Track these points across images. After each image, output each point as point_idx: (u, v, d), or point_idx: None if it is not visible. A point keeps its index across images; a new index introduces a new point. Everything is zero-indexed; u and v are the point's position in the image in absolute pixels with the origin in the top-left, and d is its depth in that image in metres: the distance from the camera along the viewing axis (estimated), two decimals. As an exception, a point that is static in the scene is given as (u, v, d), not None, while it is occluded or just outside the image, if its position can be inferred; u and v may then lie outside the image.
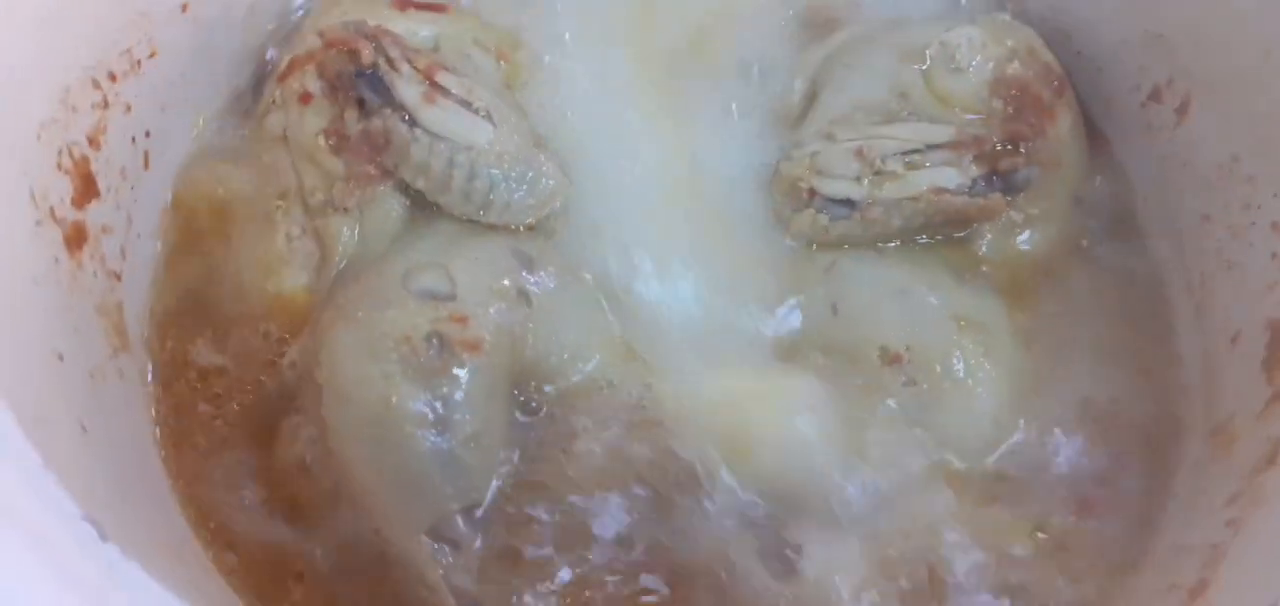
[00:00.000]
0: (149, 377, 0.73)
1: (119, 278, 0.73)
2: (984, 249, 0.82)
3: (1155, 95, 0.84)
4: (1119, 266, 0.83)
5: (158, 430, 0.71)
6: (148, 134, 0.79)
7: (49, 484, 0.47)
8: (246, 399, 0.73)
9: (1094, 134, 0.88)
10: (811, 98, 0.88)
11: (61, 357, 0.62)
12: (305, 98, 0.80)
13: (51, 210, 0.67)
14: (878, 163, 0.80)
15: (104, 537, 0.47)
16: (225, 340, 0.76)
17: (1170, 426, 0.75)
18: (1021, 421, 0.75)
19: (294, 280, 0.77)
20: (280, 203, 0.80)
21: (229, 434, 0.72)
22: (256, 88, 0.86)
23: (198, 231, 0.80)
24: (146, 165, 0.78)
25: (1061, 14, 0.90)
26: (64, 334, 0.63)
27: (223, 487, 0.69)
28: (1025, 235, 0.83)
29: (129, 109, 0.77)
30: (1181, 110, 0.82)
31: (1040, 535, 0.71)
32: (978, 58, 0.83)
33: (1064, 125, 0.83)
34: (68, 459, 0.53)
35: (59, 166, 0.69)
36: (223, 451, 0.71)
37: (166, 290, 0.77)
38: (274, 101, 0.83)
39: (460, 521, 0.68)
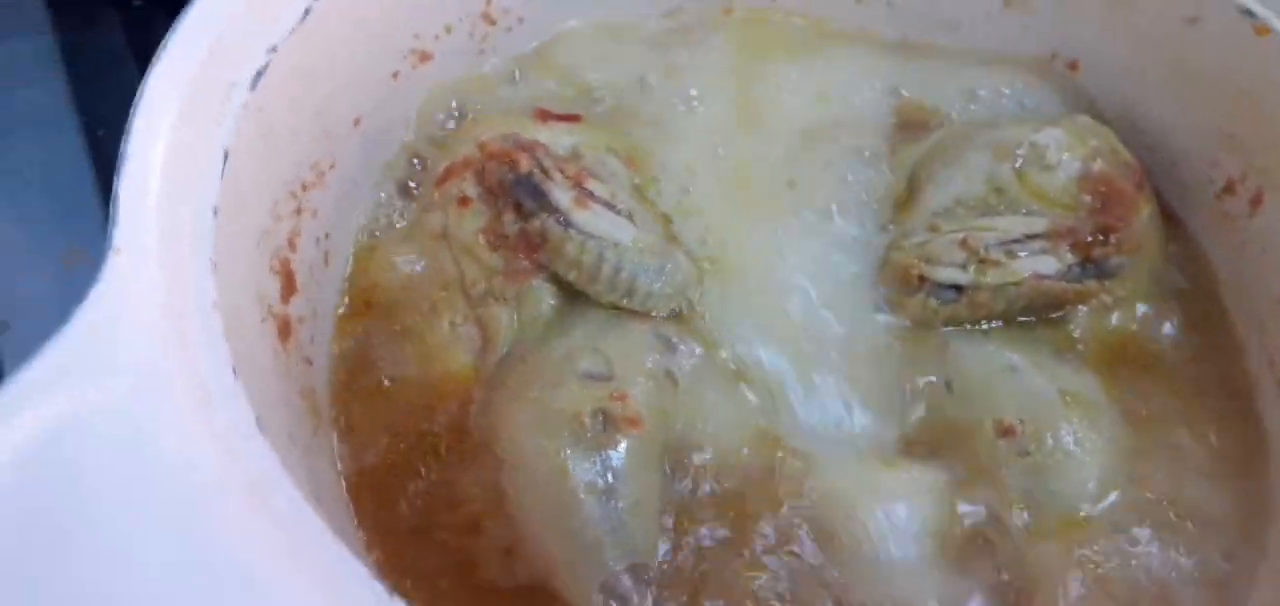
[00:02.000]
0: (336, 454, 0.82)
1: (311, 363, 0.82)
2: (1077, 329, 0.90)
3: (1229, 188, 0.93)
4: (1201, 343, 0.91)
5: (351, 506, 0.80)
6: (327, 235, 0.88)
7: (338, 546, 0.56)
8: (428, 476, 0.82)
9: (1171, 219, 0.96)
10: (910, 194, 0.97)
11: (292, 438, 0.71)
12: (464, 201, 0.90)
13: (269, 307, 0.77)
14: (982, 251, 0.88)
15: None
16: (403, 421, 0.84)
17: (1259, 503, 0.82)
18: (1122, 494, 0.82)
19: (458, 362, 0.86)
20: (443, 293, 0.89)
21: (406, 505, 0.80)
22: (405, 188, 0.95)
23: (371, 322, 0.89)
24: (326, 263, 0.88)
25: (1138, 115, 0.99)
26: (290, 417, 0.73)
27: (408, 551, 0.78)
28: (1114, 316, 0.91)
29: (315, 214, 0.87)
30: (1254, 202, 0.91)
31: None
32: (1065, 156, 0.92)
33: (1145, 214, 0.91)
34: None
35: (271, 268, 0.79)
36: (409, 517, 0.80)
37: (344, 373, 0.86)
38: (433, 203, 0.93)
39: (628, 578, 0.76)
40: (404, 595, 0.70)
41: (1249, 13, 0.89)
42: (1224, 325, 0.92)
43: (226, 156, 0.73)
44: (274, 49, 0.80)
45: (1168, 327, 0.92)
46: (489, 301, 0.88)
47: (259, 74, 0.78)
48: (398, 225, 0.95)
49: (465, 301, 0.89)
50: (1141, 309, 0.92)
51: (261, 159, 0.78)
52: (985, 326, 0.90)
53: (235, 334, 0.68)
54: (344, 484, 0.81)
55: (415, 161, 0.98)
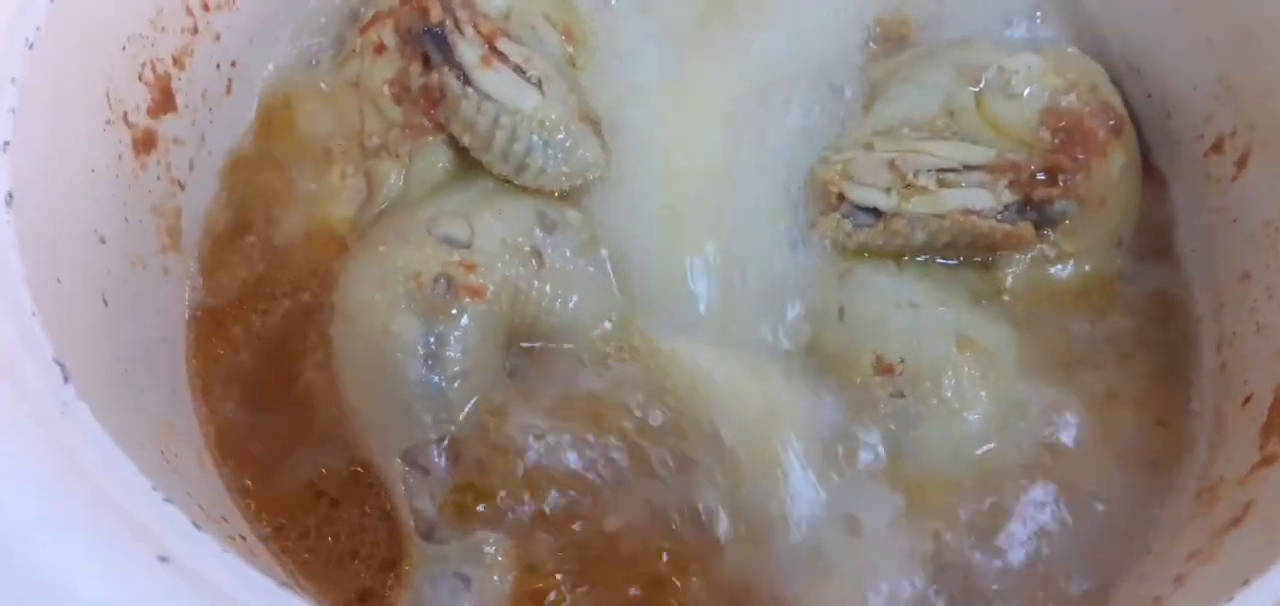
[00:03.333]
0: (191, 277, 0.80)
1: (183, 186, 0.81)
2: (1010, 279, 0.81)
3: (1218, 145, 0.81)
4: (1153, 314, 0.81)
5: (191, 323, 0.79)
6: (233, 64, 0.87)
7: (32, 321, 0.55)
8: (276, 312, 0.80)
9: (1153, 177, 0.86)
10: (867, 107, 0.89)
11: (103, 240, 0.70)
12: (380, 48, 0.87)
13: (124, 114, 0.75)
14: (910, 176, 0.80)
15: (67, 379, 0.54)
16: (269, 257, 0.83)
17: (1163, 482, 0.73)
18: (1004, 452, 0.74)
19: (340, 213, 0.84)
20: (342, 142, 0.87)
21: (252, 340, 0.79)
22: (333, 33, 0.93)
23: (263, 158, 0.87)
24: (228, 91, 0.87)
25: (1138, 53, 0.88)
26: (110, 221, 0.71)
27: (234, 383, 0.77)
28: (1057, 269, 0.81)
29: (218, 38, 0.85)
30: (1240, 163, 0.79)
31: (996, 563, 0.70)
32: (1033, 86, 0.83)
33: (1115, 165, 0.81)
34: (70, 316, 0.61)
35: (140, 77, 0.77)
36: (242, 354, 0.78)
37: (228, 206, 0.85)
38: (354, 50, 0.90)
39: (434, 451, 0.73)
40: (208, 419, 0.70)
41: (1265, -57, 0.77)
42: (1181, 298, 0.82)
43: (84, -56, 0.72)
44: None
45: (1117, 293, 0.82)
46: (381, 155, 0.85)
47: None
48: (318, 69, 0.92)
49: (360, 153, 0.87)
50: (1087, 267, 0.82)
51: (141, -41, 0.77)
52: (901, 261, 0.82)
53: (50, 119, 0.67)
54: (187, 306, 0.80)
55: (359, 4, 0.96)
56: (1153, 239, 0.84)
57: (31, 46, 0.66)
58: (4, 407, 0.51)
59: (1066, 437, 0.75)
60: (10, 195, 0.60)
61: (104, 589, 0.46)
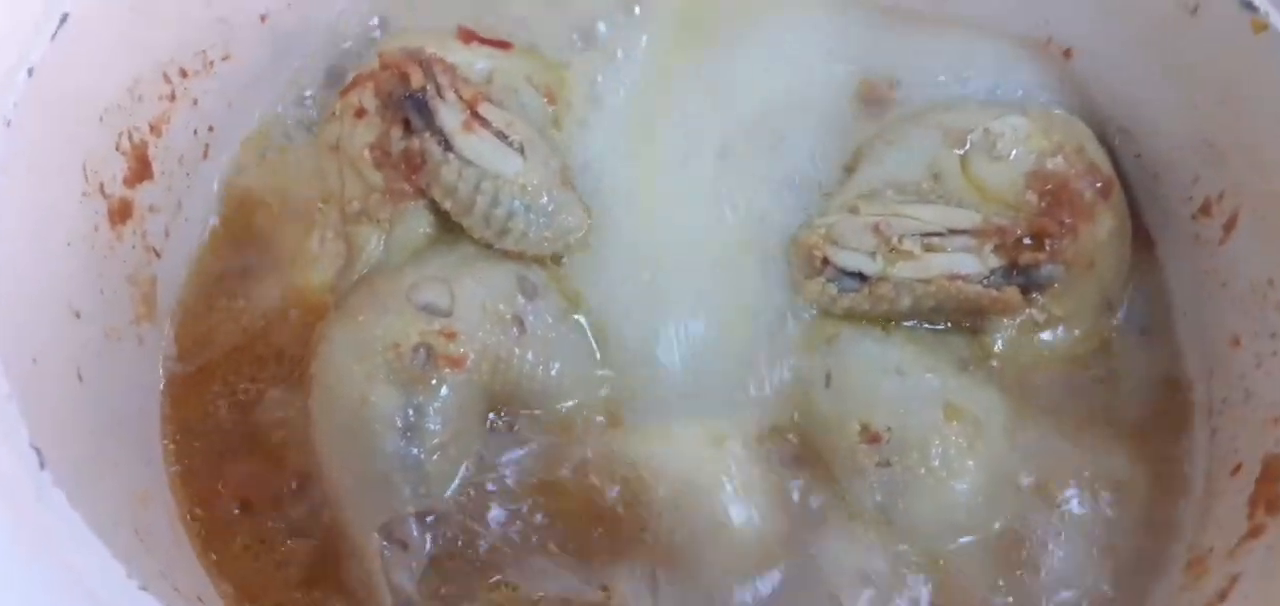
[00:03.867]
0: (166, 346, 0.83)
1: (159, 254, 0.84)
2: (999, 343, 0.84)
3: (1206, 208, 0.84)
4: (1143, 380, 0.83)
5: (168, 392, 0.81)
6: (211, 128, 0.90)
7: (8, 406, 0.57)
8: (254, 381, 0.82)
9: (1142, 239, 0.88)
10: (851, 171, 0.91)
11: (78, 314, 0.72)
12: (360, 113, 0.89)
13: (101, 185, 0.78)
14: (895, 240, 0.83)
15: (43, 465, 0.56)
16: (247, 324, 0.85)
17: (1154, 555, 0.75)
18: (993, 523, 0.76)
19: (319, 279, 0.86)
20: (322, 206, 0.89)
21: (228, 409, 0.81)
22: (311, 98, 0.96)
23: (242, 224, 0.90)
24: (205, 156, 0.89)
25: (1126, 114, 0.91)
26: (86, 294, 0.74)
27: (211, 454, 0.79)
28: (1046, 335, 0.84)
29: (196, 103, 0.88)
30: (1228, 226, 0.82)
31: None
32: (1019, 149, 0.86)
33: (1103, 227, 0.84)
34: (46, 396, 0.63)
35: (117, 147, 0.80)
36: (219, 424, 0.80)
37: (204, 272, 0.87)
38: (334, 113, 0.92)
39: (413, 524, 0.74)
40: (185, 492, 0.72)
41: (1250, 6, 0.80)
42: (1172, 367, 0.84)
43: (64, 19, 0.74)
44: (156, -76, 0.81)
45: (1107, 358, 0.84)
46: (361, 220, 0.87)
47: (133, -54, 0.80)
48: (297, 134, 0.95)
49: (340, 217, 0.89)
50: (1077, 332, 0.84)
51: (120, 32, 0.79)
52: (888, 325, 0.84)
53: (27, 195, 0.69)
54: (163, 377, 0.82)
55: (340, 68, 0.99)
56: (1143, 302, 0.87)
57: (9, 123, 0.69)
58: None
59: (1056, 508, 0.77)
60: (-13, 275, 0.63)
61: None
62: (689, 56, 0.99)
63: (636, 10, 1.01)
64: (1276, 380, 0.73)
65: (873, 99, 0.96)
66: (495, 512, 0.76)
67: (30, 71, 0.72)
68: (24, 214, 0.69)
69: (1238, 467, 0.73)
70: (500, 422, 0.80)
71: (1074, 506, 0.78)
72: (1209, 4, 0.83)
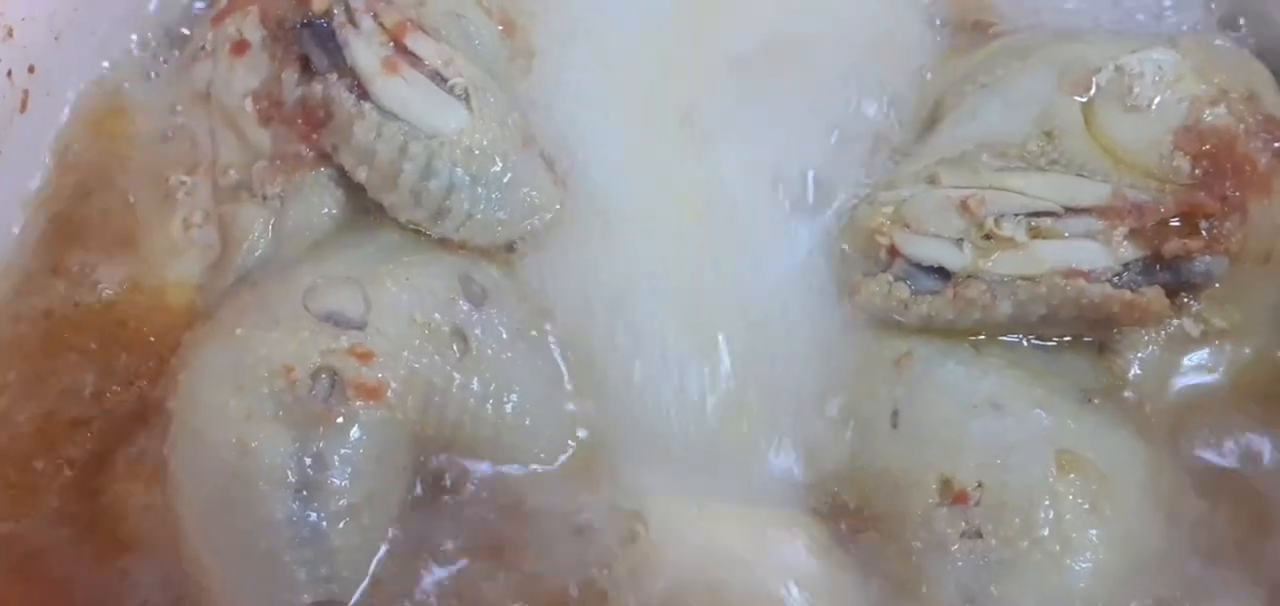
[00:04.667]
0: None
1: (-43, 241, 0.87)
2: (1135, 368, 0.86)
3: None
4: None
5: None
6: (31, 69, 0.93)
7: None
8: (89, 419, 0.85)
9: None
10: (931, 125, 0.94)
11: None
12: (239, 47, 0.93)
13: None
14: (989, 222, 0.85)
15: None
16: (80, 338, 0.88)
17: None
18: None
19: (182, 277, 0.90)
20: (186, 178, 0.93)
21: (53, 456, 0.84)
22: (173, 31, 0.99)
23: (77, 198, 0.93)
24: (23, 108, 0.92)
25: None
26: None
27: (27, 517, 0.82)
28: (1201, 355, 0.87)
29: (10, 34, 0.91)
30: None
31: None
32: (1166, 93, 0.88)
33: (1282, 205, 0.87)
34: None
35: (-101, 92, 0.84)
36: (38, 476, 0.84)
37: (18, 272, 0.91)
38: (204, 48, 0.95)
39: (311, 620, 0.77)
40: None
41: None
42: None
43: None
44: None
45: (1286, 390, 0.87)
46: (241, 195, 0.90)
47: None
48: (153, 76, 0.98)
49: (211, 195, 0.92)
50: (1248, 350, 0.87)
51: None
52: (979, 342, 0.87)
53: None
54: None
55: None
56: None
57: None
58: None
59: (1214, 596, 0.79)
60: None
61: None
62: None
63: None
64: None
65: (964, 24, 1.00)
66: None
67: None
68: None
69: None
70: (434, 481, 0.82)
71: (1237, 596, 0.80)
72: None
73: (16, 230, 0.93)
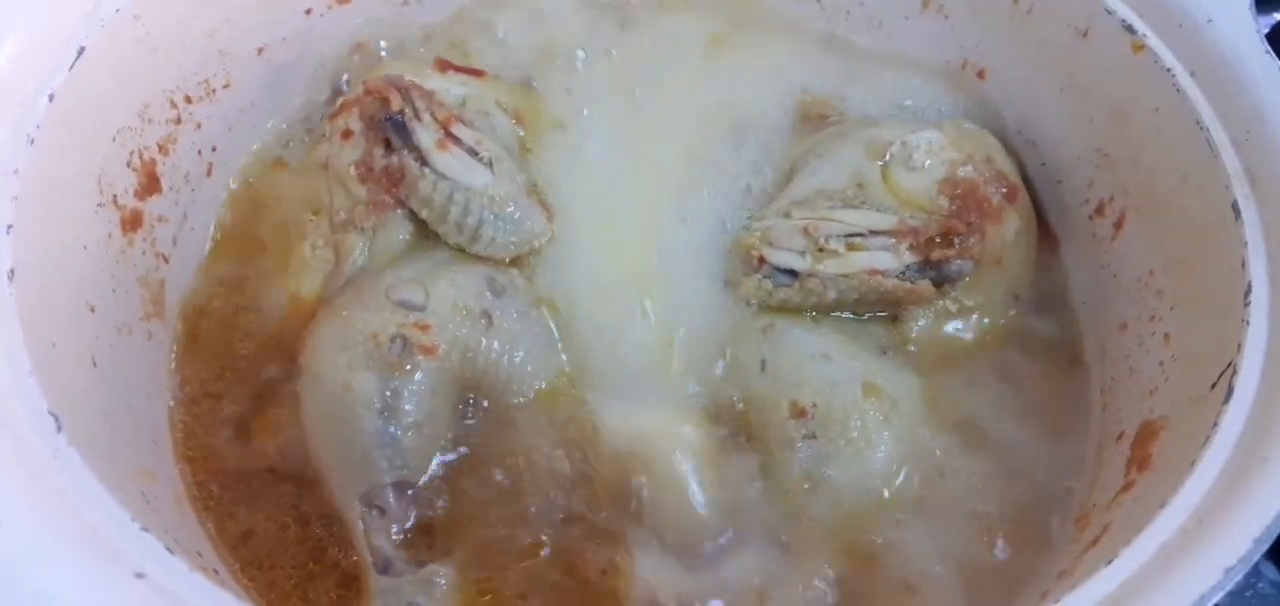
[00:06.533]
0: (174, 343, 0.89)
1: (167, 260, 0.90)
2: (915, 331, 0.89)
3: (1099, 209, 0.90)
4: (1047, 363, 0.90)
5: (174, 381, 0.87)
6: (214, 149, 0.96)
7: (30, 380, 0.63)
8: (252, 373, 0.88)
9: (1048, 238, 0.95)
10: (787, 180, 0.97)
11: (93, 309, 0.78)
12: (346, 134, 0.95)
13: (114, 197, 0.84)
14: (822, 241, 0.88)
15: (60, 429, 0.62)
16: (245, 322, 0.91)
17: (1048, 514, 0.81)
18: (906, 489, 0.82)
19: (310, 283, 0.92)
20: (313, 218, 0.95)
21: (228, 398, 0.87)
22: (307, 121, 1.02)
23: (242, 234, 0.96)
24: (208, 174, 0.96)
25: (1032, 127, 0.98)
26: (100, 292, 0.80)
27: (212, 436, 0.85)
28: (958, 323, 0.90)
29: (199, 126, 0.94)
30: (1118, 225, 0.88)
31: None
32: (932, 159, 0.92)
33: (1010, 228, 0.90)
34: (63, 376, 0.69)
35: (128, 164, 0.86)
36: (220, 410, 0.86)
37: (209, 276, 0.94)
38: (324, 134, 0.99)
39: (391, 493, 0.80)
40: (192, 472, 0.77)
41: (1130, 29, 0.87)
42: (1073, 351, 0.91)
43: (81, 52, 0.81)
44: (163, -35, 0.87)
45: (1015, 345, 0.90)
46: (347, 228, 0.93)
47: (142, -15, 0.86)
48: (291, 152, 1.02)
49: (329, 227, 0.95)
50: (986, 320, 0.90)
51: (130, 63, 0.86)
52: (816, 316, 0.90)
53: (48, 203, 0.75)
54: (172, 367, 0.88)
55: (329, 95, 1.05)
56: (1048, 294, 0.93)
57: (32, 141, 0.75)
58: (3, 454, 0.59)
59: (965, 477, 0.83)
60: (12, 271, 0.69)
61: (86, 600, 0.53)
62: (653, 82, 1.05)
63: (604, 41, 1.08)
64: (1153, 357, 0.80)
65: (810, 116, 1.03)
66: (471, 481, 0.82)
67: (51, 97, 0.78)
68: (45, 220, 0.76)
69: (1120, 435, 0.79)
70: (472, 408, 0.85)
71: (979, 476, 0.83)
72: (1097, 27, 0.90)
73: (208, 248, 0.96)
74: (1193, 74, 0.82)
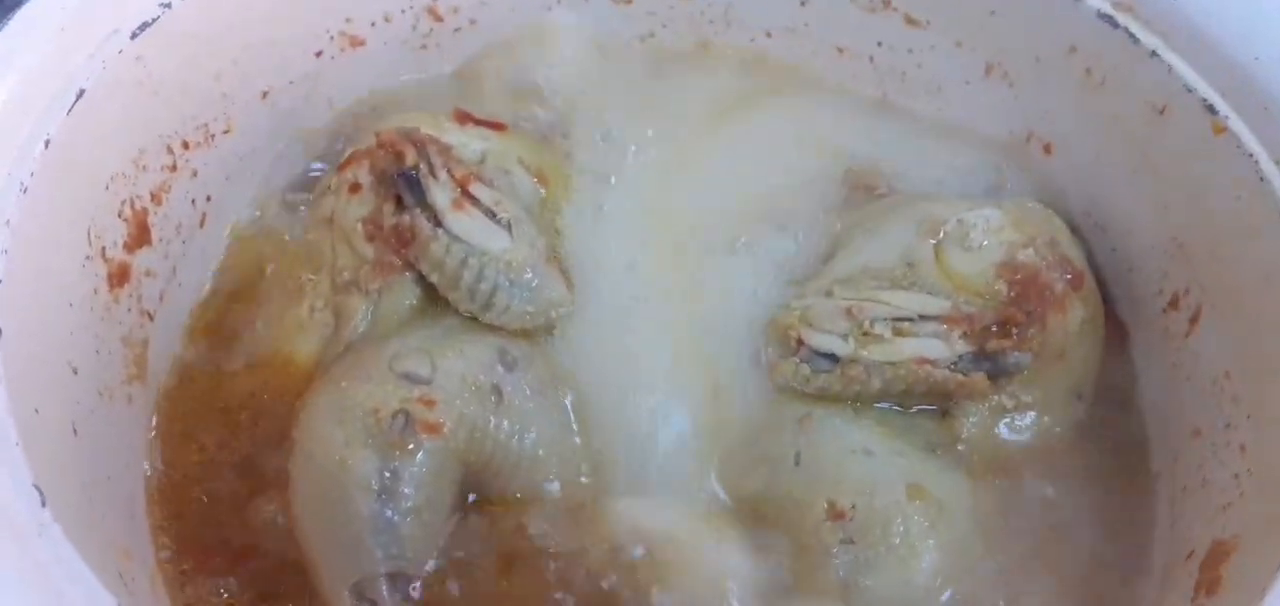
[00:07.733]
0: (154, 408, 0.93)
1: (152, 317, 0.94)
2: (966, 428, 0.92)
3: (1173, 302, 0.93)
4: (1112, 469, 0.92)
5: (153, 450, 0.91)
6: (209, 198, 1.00)
7: (15, 450, 0.67)
8: (238, 445, 0.92)
9: (1117, 330, 0.97)
10: (830, 256, 1.01)
11: (76, 371, 0.82)
12: (355, 187, 0.99)
13: (103, 249, 0.88)
14: (867, 324, 0.91)
15: (44, 503, 0.66)
16: (233, 388, 0.94)
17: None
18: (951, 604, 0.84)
19: (307, 347, 0.96)
20: (313, 277, 0.99)
21: (211, 470, 0.90)
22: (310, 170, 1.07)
23: (234, 292, 1.00)
24: (202, 225, 1.00)
25: (1102, 210, 1.01)
26: (83, 353, 0.84)
27: (190, 514, 0.88)
28: (1014, 421, 0.92)
29: (195, 174, 0.99)
30: (1193, 320, 0.91)
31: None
32: (991, 239, 0.94)
33: (1074, 318, 0.92)
34: (45, 445, 0.73)
35: (119, 214, 0.91)
36: (201, 484, 0.89)
37: (196, 336, 0.98)
38: (330, 187, 1.03)
39: (385, 585, 0.83)
40: (171, 548, 0.81)
41: (1211, 109, 0.90)
42: (1140, 457, 0.93)
43: (80, 94, 0.86)
44: (168, 4, 0.92)
45: (1077, 447, 0.92)
46: (351, 290, 0.97)
47: (144, 25, 0.91)
48: (291, 206, 1.06)
49: (330, 288, 0.98)
50: (1046, 419, 0.93)
51: (130, 106, 0.91)
52: (857, 406, 0.92)
53: (37, 257, 0.80)
54: (153, 435, 0.92)
55: (337, 143, 1.10)
56: (1114, 392, 0.95)
57: (25, 190, 0.80)
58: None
59: (1016, 596, 0.85)
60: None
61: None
62: (688, 143, 1.10)
63: (636, 97, 1.12)
64: (1228, 469, 0.82)
65: (858, 186, 1.06)
66: (473, 581, 0.85)
67: (47, 143, 0.82)
68: (34, 275, 0.80)
69: (1190, 554, 0.81)
70: (474, 491, 0.89)
71: (1033, 596, 0.85)
72: (1175, 104, 0.93)
73: (197, 305, 1.00)
74: (1278, 162, 0.85)
